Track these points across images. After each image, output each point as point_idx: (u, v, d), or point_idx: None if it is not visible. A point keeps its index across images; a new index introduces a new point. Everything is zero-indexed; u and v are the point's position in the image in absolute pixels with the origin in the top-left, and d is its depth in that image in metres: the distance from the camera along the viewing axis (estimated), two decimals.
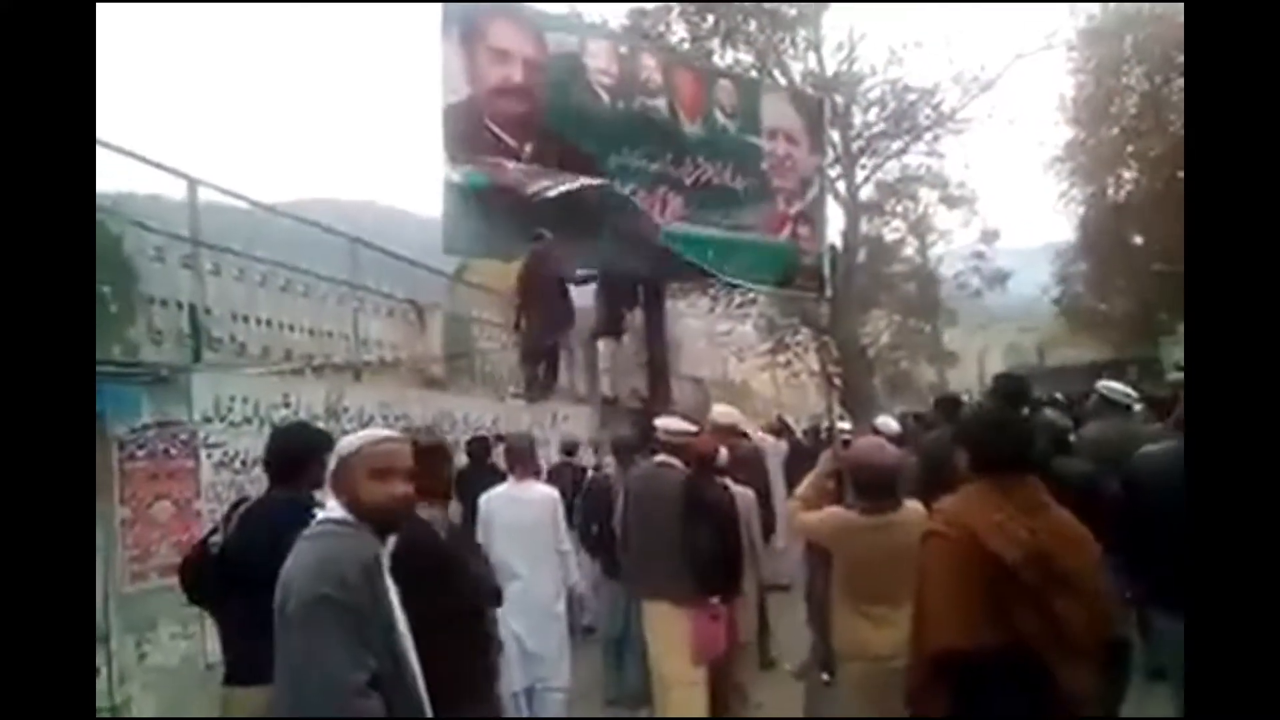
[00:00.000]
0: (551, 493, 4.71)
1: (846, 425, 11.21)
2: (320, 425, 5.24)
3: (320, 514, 2.16)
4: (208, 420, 4.56)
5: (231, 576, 2.80)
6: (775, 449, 8.03)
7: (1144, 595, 3.26)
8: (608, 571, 4.94)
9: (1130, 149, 20.80)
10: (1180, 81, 19.85)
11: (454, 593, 2.72)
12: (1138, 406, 4.84)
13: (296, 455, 2.99)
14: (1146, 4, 19.22)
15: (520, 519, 4.50)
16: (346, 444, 2.23)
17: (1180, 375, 11.99)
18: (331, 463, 2.19)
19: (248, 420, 4.80)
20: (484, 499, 4.58)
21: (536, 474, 4.95)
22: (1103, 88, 20.63)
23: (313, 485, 2.97)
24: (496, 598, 3.15)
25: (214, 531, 3.03)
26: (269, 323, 6.67)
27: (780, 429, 9.65)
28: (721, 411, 6.73)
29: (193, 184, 5.75)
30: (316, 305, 7.27)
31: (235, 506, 3.05)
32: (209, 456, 4.51)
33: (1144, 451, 3.41)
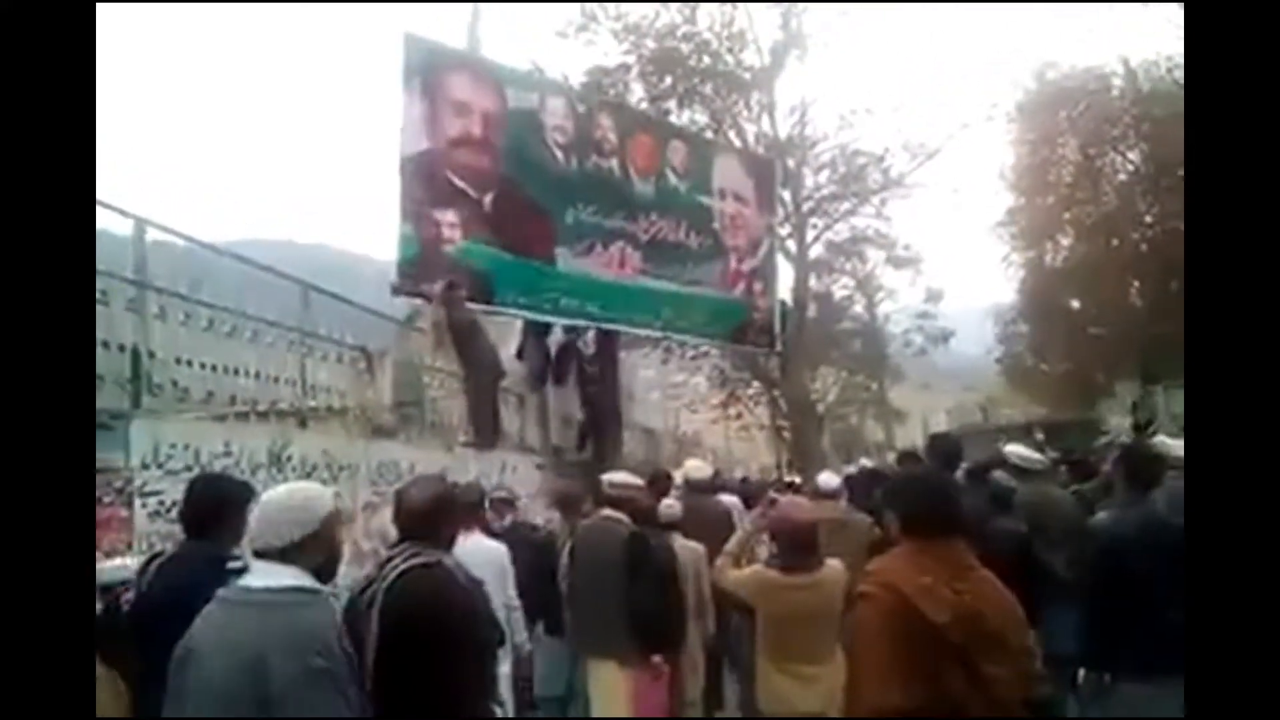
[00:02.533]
0: (499, 547, 4.61)
1: (797, 479, 11.28)
2: (263, 473, 5.16)
3: (278, 581, 2.07)
4: (145, 467, 4.45)
5: (143, 634, 2.67)
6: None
7: (1093, 657, 3.34)
8: (549, 629, 4.85)
9: (1067, 216, 21.76)
10: (1113, 155, 20.95)
11: (474, 633, 2.70)
12: (1040, 469, 5.00)
13: (215, 507, 2.91)
14: (1079, 81, 20.31)
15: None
16: (317, 509, 2.18)
17: (1112, 438, 12.41)
18: (306, 527, 2.13)
19: (187, 468, 4.68)
20: None
21: (484, 528, 4.88)
22: (1039, 158, 21.61)
23: (232, 539, 2.91)
24: (501, 637, 3.17)
25: (127, 587, 2.91)
26: (214, 367, 6.55)
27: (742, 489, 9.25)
28: (694, 466, 6.75)
29: (139, 223, 5.68)
30: (264, 350, 7.16)
31: (150, 560, 2.94)
32: (144, 505, 4.39)
33: (1095, 521, 3.56)
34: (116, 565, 3.59)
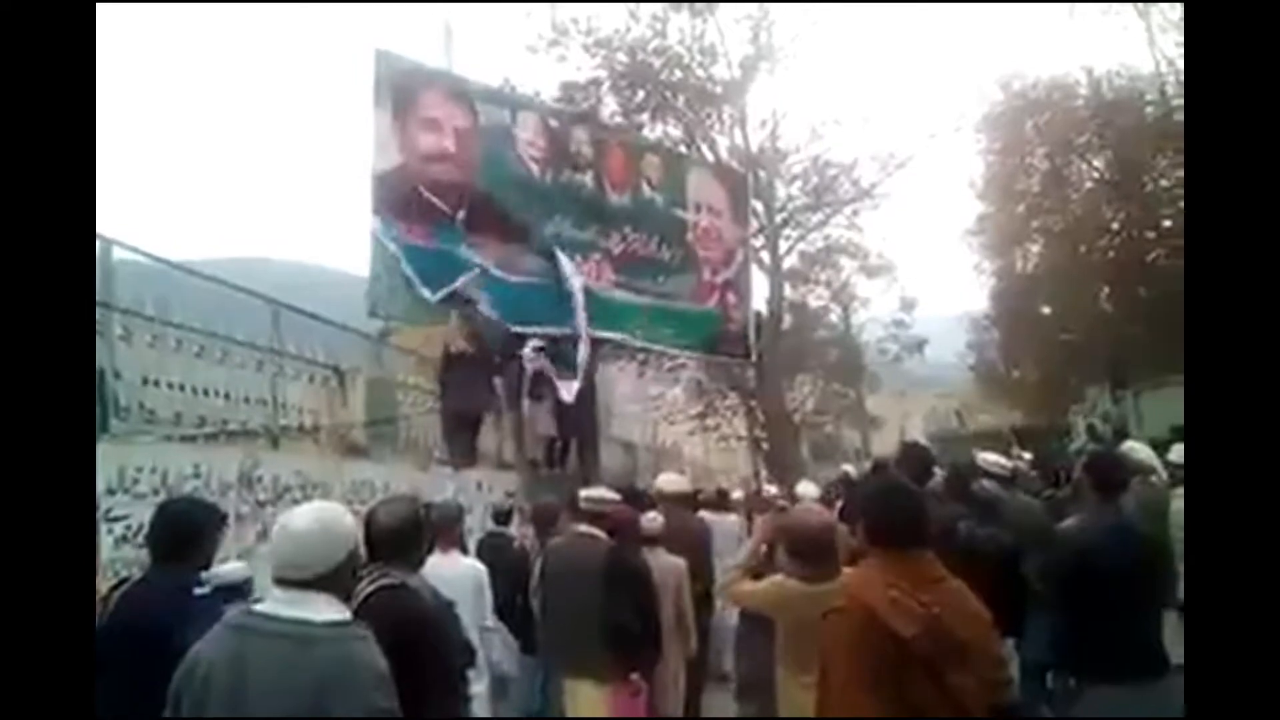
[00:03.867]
0: (476, 566, 4.57)
1: (773, 489, 11.29)
2: (234, 494, 5.09)
3: (319, 614, 1.95)
4: (111, 492, 4.36)
5: (108, 661, 2.54)
6: (722, 525, 7.07)
7: (1062, 661, 3.37)
8: (524, 648, 4.81)
9: (1035, 224, 22.08)
10: (1079, 163, 21.32)
11: (445, 656, 2.66)
12: (1009, 476, 5.05)
13: (184, 532, 2.84)
14: (1044, 91, 20.68)
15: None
16: (347, 533, 2.09)
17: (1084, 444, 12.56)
18: (339, 554, 2.03)
19: (155, 492, 4.59)
20: None
21: (461, 546, 4.84)
22: (1008, 167, 21.94)
23: (199, 566, 2.85)
24: (472, 656, 3.11)
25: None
26: (182, 387, 6.46)
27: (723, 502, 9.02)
28: (668, 480, 6.67)
29: (105, 243, 5.60)
30: (234, 369, 7.08)
31: (116, 587, 2.86)
32: (110, 531, 4.30)
33: (1063, 527, 3.60)
34: None
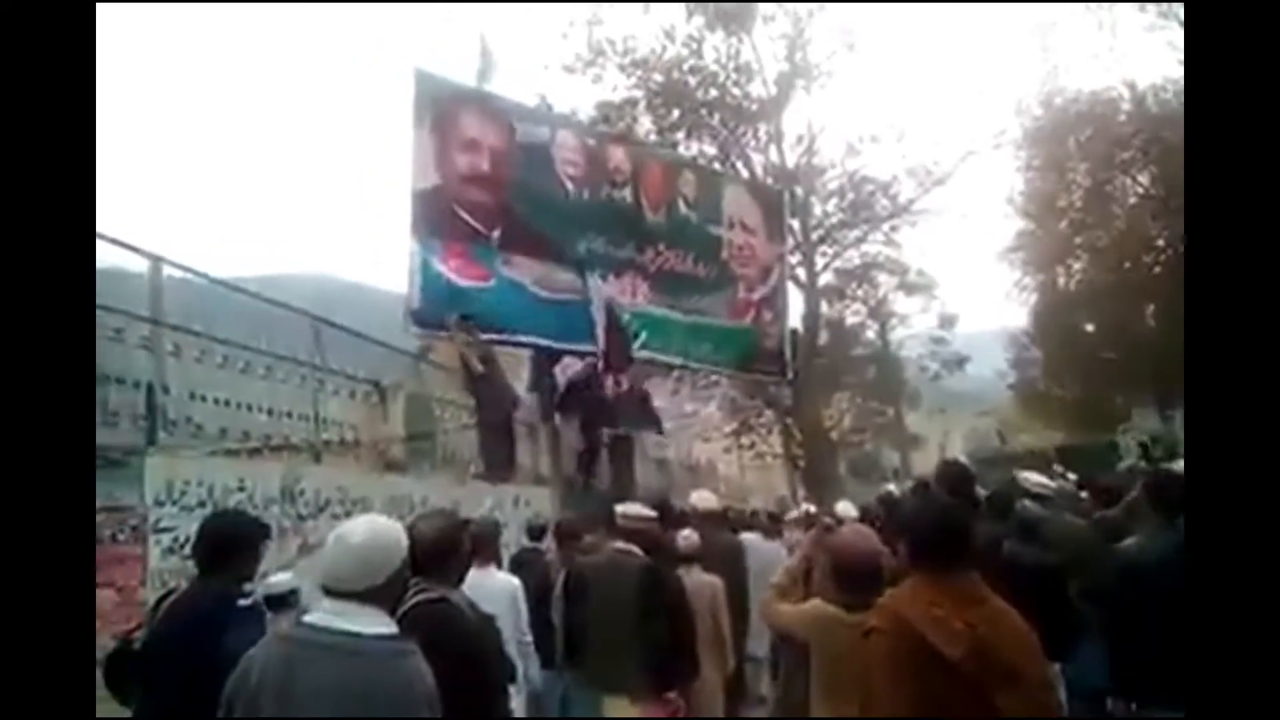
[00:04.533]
0: (512, 581, 4.57)
1: (811, 508, 11.12)
2: (276, 508, 5.18)
3: (372, 628, 1.97)
4: (159, 504, 4.47)
5: (154, 672, 2.67)
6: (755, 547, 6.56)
7: (1121, 685, 3.27)
8: (545, 662, 4.78)
9: (1078, 240, 21.70)
10: (1122, 179, 20.95)
11: (484, 670, 2.67)
12: (1054, 497, 4.94)
13: (228, 544, 2.89)
14: (1086, 106, 20.38)
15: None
16: (399, 547, 2.11)
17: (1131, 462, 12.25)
18: (392, 566, 2.05)
19: (201, 504, 4.70)
20: None
21: (497, 561, 4.85)
22: (1049, 183, 21.62)
23: (243, 576, 2.90)
24: (512, 674, 3.11)
25: (139, 626, 2.91)
26: (227, 402, 6.62)
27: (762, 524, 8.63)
28: (701, 497, 6.60)
29: (156, 261, 5.77)
30: (276, 385, 7.23)
31: (164, 598, 2.93)
32: (158, 542, 4.41)
33: (1117, 549, 3.49)
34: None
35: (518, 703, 4.39)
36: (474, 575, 4.40)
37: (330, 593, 2.05)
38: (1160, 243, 19.95)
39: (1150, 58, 32.15)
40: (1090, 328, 21.82)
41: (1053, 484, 5.06)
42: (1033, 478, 5.03)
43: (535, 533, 6.68)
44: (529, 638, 4.52)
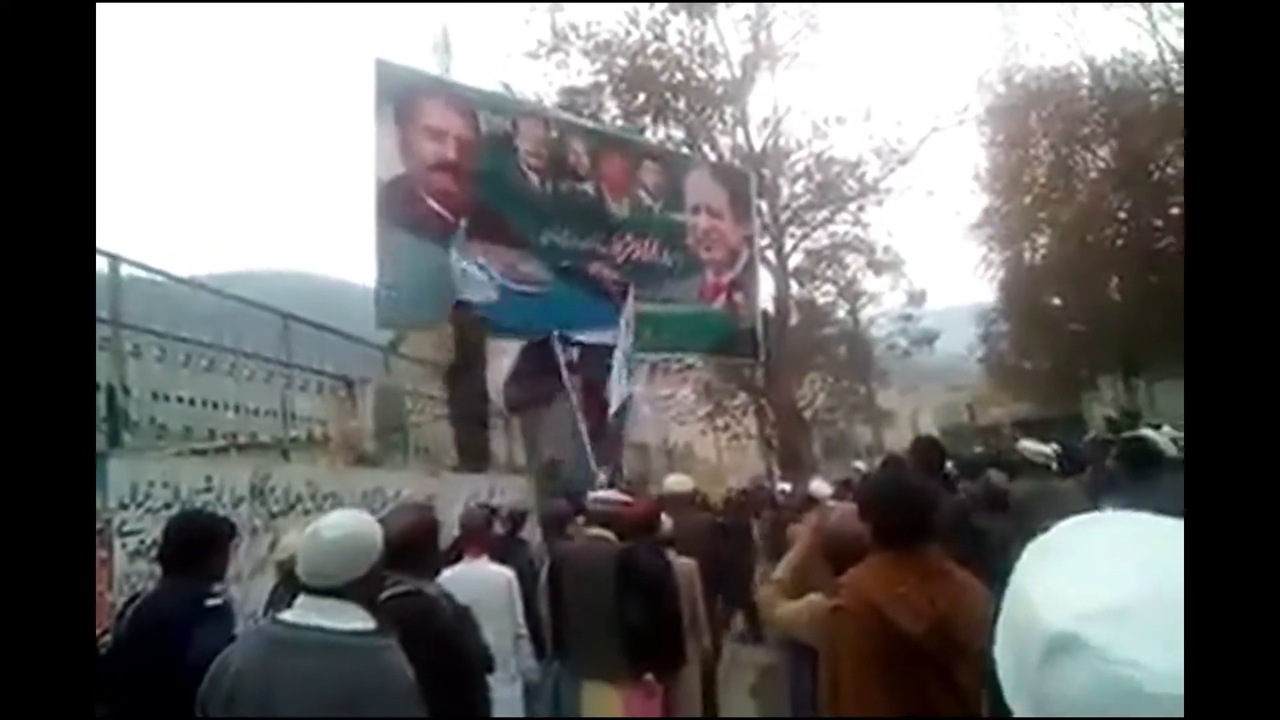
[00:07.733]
0: (505, 572, 4.44)
1: (786, 486, 11.24)
2: (245, 507, 5.11)
3: (349, 624, 1.95)
4: (124, 507, 4.39)
5: (121, 675, 2.62)
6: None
7: None
8: (535, 652, 4.76)
9: (1042, 215, 21.96)
10: (1084, 153, 21.21)
11: (463, 662, 2.66)
12: (1047, 464, 5.02)
13: (194, 544, 2.86)
14: (1049, 81, 20.60)
15: (478, 602, 4.28)
16: (375, 541, 2.08)
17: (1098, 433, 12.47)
18: (369, 561, 2.04)
19: (167, 506, 4.61)
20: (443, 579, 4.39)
21: (490, 552, 4.72)
22: (1013, 159, 21.84)
23: (212, 576, 2.86)
24: (490, 664, 3.10)
25: (105, 631, 2.87)
26: (192, 401, 6.50)
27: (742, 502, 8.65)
28: (675, 480, 6.69)
29: (114, 260, 5.64)
30: (243, 382, 7.12)
31: (130, 600, 2.91)
32: (124, 546, 4.33)
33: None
34: None
35: (514, 695, 4.37)
36: (465, 567, 4.36)
37: (306, 589, 2.05)
38: (1122, 215, 20.26)
39: (1109, 32, 32.53)
40: (1057, 301, 22.14)
41: (1047, 450, 5.12)
42: (1032, 446, 5.12)
43: (516, 520, 6.64)
44: (525, 630, 4.41)
